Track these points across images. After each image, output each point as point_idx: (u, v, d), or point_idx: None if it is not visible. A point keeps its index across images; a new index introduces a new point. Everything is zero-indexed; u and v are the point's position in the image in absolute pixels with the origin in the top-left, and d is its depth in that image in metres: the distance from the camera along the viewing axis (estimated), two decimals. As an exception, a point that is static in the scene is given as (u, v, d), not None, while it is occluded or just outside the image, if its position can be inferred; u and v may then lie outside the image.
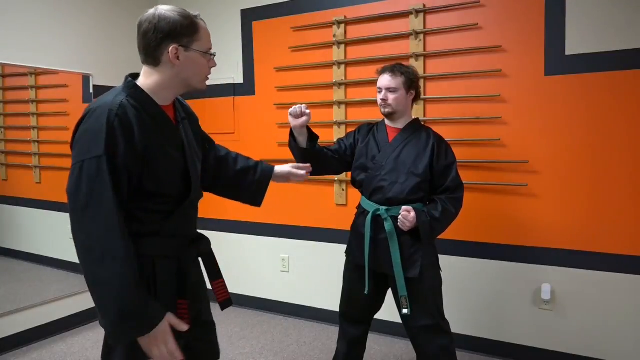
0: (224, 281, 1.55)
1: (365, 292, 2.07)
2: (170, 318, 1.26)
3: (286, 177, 1.75)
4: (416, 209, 1.96)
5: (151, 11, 1.26)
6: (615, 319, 2.45)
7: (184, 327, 1.29)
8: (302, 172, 1.75)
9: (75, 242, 1.20)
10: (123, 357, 1.29)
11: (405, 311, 1.98)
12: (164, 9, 1.26)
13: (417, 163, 2.01)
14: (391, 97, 2.05)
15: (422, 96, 2.77)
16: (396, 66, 2.07)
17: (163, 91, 1.33)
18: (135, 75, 1.35)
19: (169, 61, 1.27)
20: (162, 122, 1.32)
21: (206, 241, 1.53)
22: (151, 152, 1.26)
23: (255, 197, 1.70)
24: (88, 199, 1.18)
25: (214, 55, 1.38)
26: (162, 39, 1.25)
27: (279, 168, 1.73)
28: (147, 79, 1.32)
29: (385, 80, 2.06)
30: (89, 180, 1.18)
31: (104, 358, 1.35)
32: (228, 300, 1.54)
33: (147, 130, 1.26)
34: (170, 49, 1.25)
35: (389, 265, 2.00)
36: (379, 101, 2.08)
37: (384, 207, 2.02)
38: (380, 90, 2.08)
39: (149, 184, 1.27)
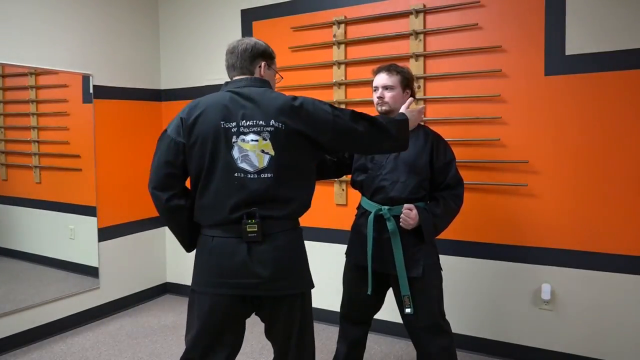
0: None
1: (369, 293, 2.07)
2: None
3: None
4: (418, 206, 1.96)
5: (244, 39, 1.74)
6: (615, 319, 2.45)
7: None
8: None
9: None
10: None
11: (408, 310, 1.98)
12: (254, 39, 1.76)
13: (416, 161, 2.01)
14: (388, 94, 2.05)
15: (423, 96, 2.78)
16: (392, 65, 2.09)
17: None
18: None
19: (259, 73, 1.72)
20: None
21: None
22: None
23: None
24: None
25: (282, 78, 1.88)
26: (256, 56, 1.72)
27: None
28: None
29: (381, 78, 2.06)
30: None
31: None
32: None
33: None
34: (262, 64, 1.73)
35: (393, 265, 2.00)
36: (376, 100, 2.08)
37: (386, 207, 2.02)
38: (376, 89, 2.08)
39: None
